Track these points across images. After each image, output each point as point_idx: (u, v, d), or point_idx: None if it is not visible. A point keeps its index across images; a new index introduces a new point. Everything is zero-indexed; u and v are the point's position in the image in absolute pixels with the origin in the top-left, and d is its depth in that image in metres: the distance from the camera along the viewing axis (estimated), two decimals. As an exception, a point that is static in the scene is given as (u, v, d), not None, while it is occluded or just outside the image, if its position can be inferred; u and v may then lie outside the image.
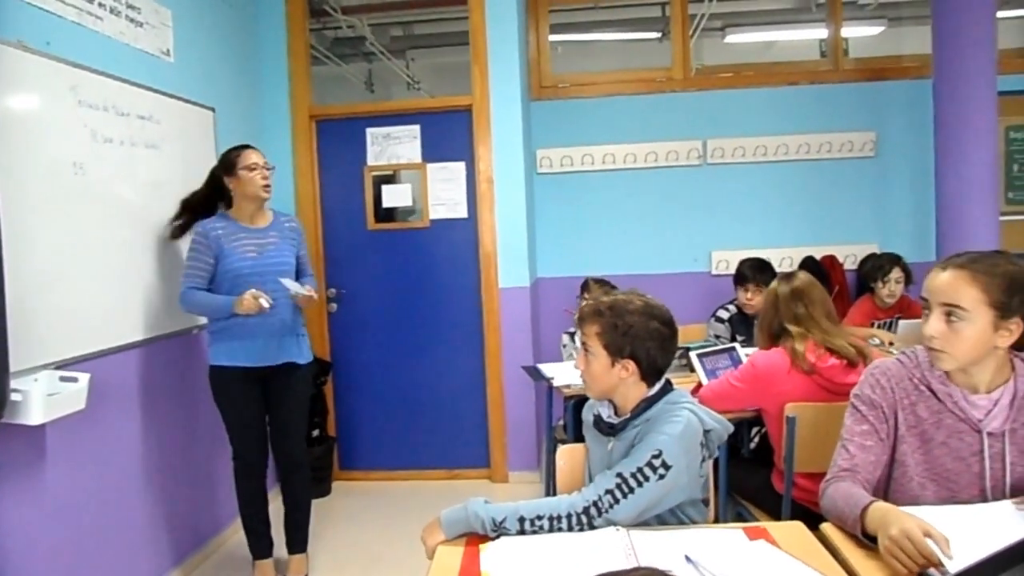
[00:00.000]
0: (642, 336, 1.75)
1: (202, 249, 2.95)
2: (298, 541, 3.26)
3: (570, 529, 1.62)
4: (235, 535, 3.61)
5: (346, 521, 3.82)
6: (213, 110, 3.67)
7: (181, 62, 3.39)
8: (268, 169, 3.04)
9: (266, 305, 2.84)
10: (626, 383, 1.78)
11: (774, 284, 2.72)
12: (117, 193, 2.91)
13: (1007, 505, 1.54)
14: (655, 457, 1.64)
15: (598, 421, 1.86)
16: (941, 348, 1.60)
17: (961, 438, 1.63)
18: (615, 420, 1.81)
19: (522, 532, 1.61)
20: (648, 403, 1.77)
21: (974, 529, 1.41)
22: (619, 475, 1.65)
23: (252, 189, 3.00)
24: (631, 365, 1.75)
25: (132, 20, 3.02)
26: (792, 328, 2.56)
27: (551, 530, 1.62)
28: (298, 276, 3.14)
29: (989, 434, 1.61)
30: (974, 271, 1.57)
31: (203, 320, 3.43)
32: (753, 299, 3.80)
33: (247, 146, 3.08)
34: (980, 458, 1.62)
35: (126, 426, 2.94)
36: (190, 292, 2.96)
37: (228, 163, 3.02)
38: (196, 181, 3.40)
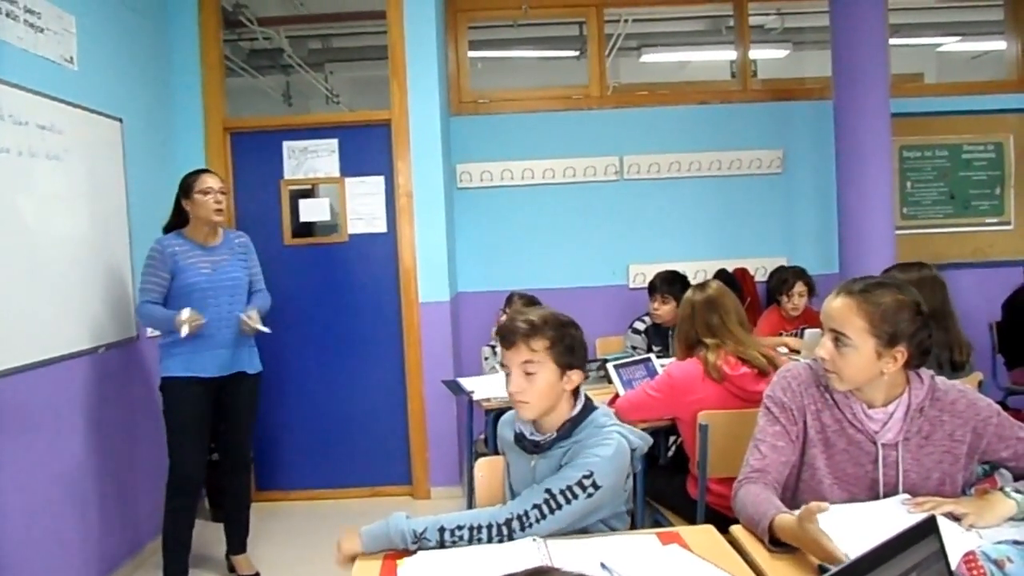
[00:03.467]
0: (581, 351, 1.79)
1: (157, 264, 3.09)
2: (242, 541, 3.42)
3: (490, 540, 1.62)
4: (152, 557, 3.50)
5: (265, 543, 3.71)
6: (120, 121, 3.54)
7: (85, 70, 3.26)
8: (222, 194, 3.17)
9: (201, 321, 2.99)
10: (562, 398, 1.79)
11: (688, 294, 2.78)
12: (14, 205, 2.76)
13: (897, 502, 1.64)
14: (586, 477, 1.67)
15: (520, 439, 1.85)
16: (831, 369, 1.69)
17: (860, 447, 1.72)
18: (539, 438, 1.81)
19: (442, 544, 1.60)
20: (573, 423, 1.78)
21: (867, 524, 1.50)
22: (548, 491, 1.66)
23: (205, 212, 3.13)
24: (577, 376, 1.78)
25: (32, 25, 2.89)
26: (707, 340, 2.63)
27: (471, 541, 1.61)
28: (249, 291, 3.33)
29: (883, 445, 1.70)
30: (861, 301, 1.65)
31: (110, 339, 3.34)
32: (659, 309, 3.89)
33: (205, 170, 3.26)
34: (876, 466, 1.70)
35: (20, 450, 2.76)
36: (144, 306, 3.11)
37: (186, 186, 3.16)
38: (103, 194, 3.30)
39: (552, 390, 1.76)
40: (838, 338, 1.66)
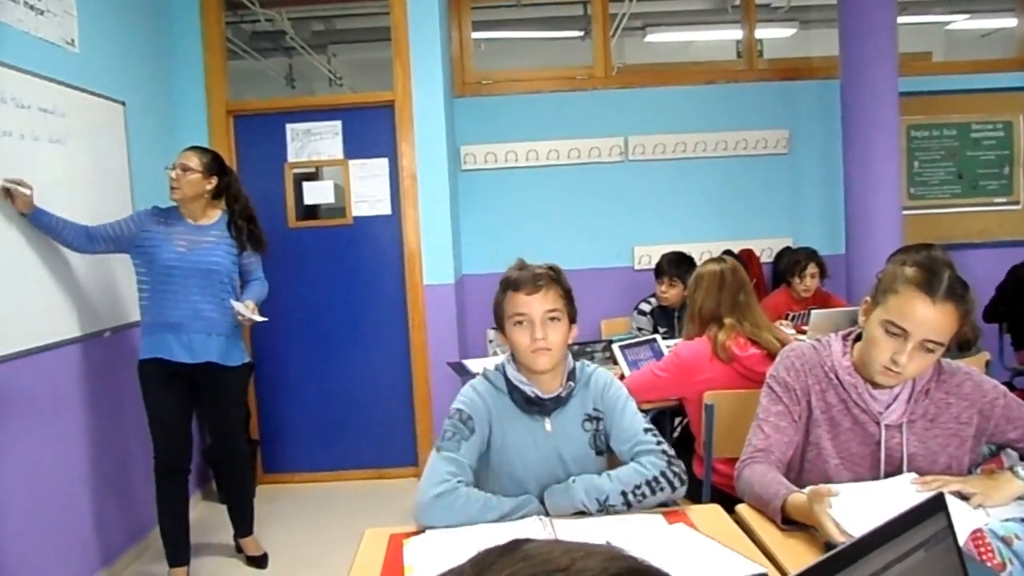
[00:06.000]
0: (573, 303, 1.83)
1: (131, 218, 3.05)
2: (246, 525, 3.41)
3: (653, 493, 1.67)
4: (156, 543, 3.49)
5: (272, 524, 3.73)
6: (123, 104, 3.52)
7: (87, 53, 3.24)
8: (183, 170, 3.00)
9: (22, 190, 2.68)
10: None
11: (713, 265, 2.69)
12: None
13: (905, 480, 1.63)
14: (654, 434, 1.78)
15: (531, 401, 1.78)
16: (902, 374, 1.61)
17: (864, 427, 1.71)
18: (558, 391, 1.78)
19: (627, 504, 1.65)
20: (571, 373, 1.82)
21: (875, 502, 1.50)
22: (664, 452, 1.74)
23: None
24: (574, 331, 1.82)
25: (32, 7, 2.87)
26: (727, 318, 2.58)
27: (652, 493, 1.66)
28: (242, 278, 3.19)
29: (887, 426, 1.69)
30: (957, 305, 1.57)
31: (115, 323, 3.35)
32: (667, 292, 3.87)
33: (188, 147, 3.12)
34: (880, 447, 1.69)
35: (24, 436, 2.76)
36: (85, 226, 2.96)
37: None
38: (106, 177, 3.28)
39: (566, 340, 1.78)
40: (930, 345, 1.59)
